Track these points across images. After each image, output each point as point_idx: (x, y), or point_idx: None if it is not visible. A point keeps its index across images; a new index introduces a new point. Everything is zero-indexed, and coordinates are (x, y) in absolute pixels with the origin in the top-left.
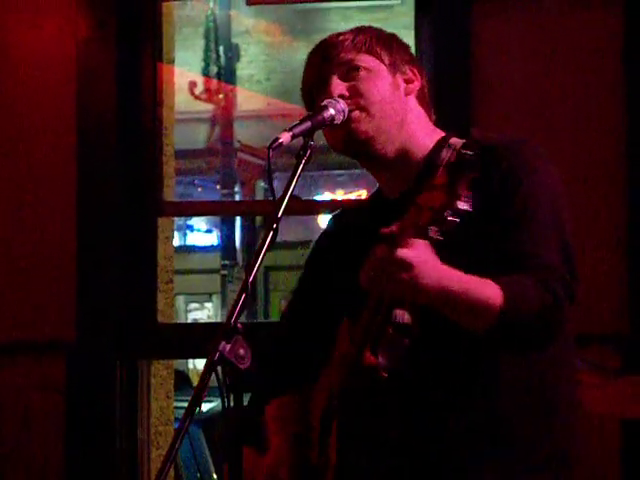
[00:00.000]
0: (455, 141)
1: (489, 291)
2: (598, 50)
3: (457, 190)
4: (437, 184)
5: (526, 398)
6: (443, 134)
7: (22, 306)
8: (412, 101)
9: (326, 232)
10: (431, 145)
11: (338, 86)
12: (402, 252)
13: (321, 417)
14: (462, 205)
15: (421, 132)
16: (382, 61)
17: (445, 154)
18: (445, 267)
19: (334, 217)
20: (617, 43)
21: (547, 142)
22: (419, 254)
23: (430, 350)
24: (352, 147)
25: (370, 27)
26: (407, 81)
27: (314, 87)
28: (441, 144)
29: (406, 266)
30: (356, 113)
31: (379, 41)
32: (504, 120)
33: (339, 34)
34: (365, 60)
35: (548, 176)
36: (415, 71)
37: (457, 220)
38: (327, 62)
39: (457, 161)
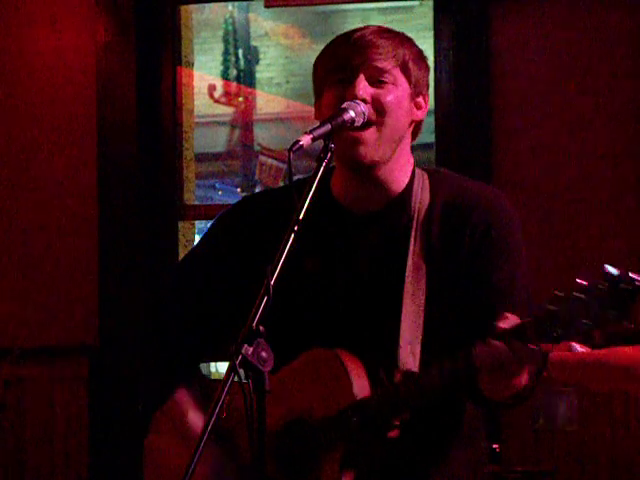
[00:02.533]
0: (422, 178)
1: (525, 374)
2: (614, 45)
3: (629, 313)
4: (590, 296)
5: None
6: (413, 163)
7: (46, 311)
8: (411, 128)
9: (246, 215)
10: (407, 176)
11: (364, 88)
12: (536, 350)
13: (276, 438)
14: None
15: (404, 160)
16: (409, 80)
17: (416, 190)
18: None
19: (255, 201)
20: (635, 39)
21: (563, 135)
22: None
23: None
24: (356, 168)
25: (410, 40)
26: (417, 106)
27: (332, 76)
28: (412, 178)
29: (532, 362)
30: (366, 132)
31: (415, 61)
32: (523, 115)
33: (380, 34)
34: (397, 76)
35: (517, 233)
36: (426, 99)
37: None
38: (360, 58)
39: (615, 287)
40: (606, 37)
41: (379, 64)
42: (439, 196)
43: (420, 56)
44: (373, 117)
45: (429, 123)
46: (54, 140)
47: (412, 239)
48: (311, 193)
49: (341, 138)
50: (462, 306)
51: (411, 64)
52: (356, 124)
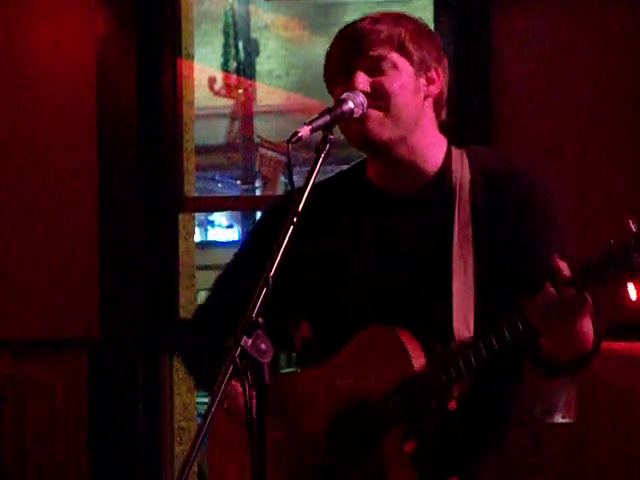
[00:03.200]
0: (460, 155)
1: (590, 333)
2: (615, 41)
3: None
4: (629, 243)
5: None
6: (446, 141)
7: (47, 303)
8: (428, 104)
9: (275, 214)
10: (441, 154)
11: (362, 81)
12: (588, 298)
13: (337, 421)
14: None
15: (431, 139)
16: (411, 61)
17: (457, 169)
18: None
19: (282, 199)
20: (637, 35)
21: (564, 131)
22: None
23: (491, 374)
24: (367, 147)
25: (405, 17)
26: (429, 81)
27: (336, 74)
28: (449, 156)
29: (586, 313)
30: (374, 112)
31: (413, 37)
32: (523, 113)
33: (372, 23)
34: (394, 59)
35: (555, 199)
36: (439, 71)
37: None
38: (354, 53)
39: None
40: (607, 33)
41: (374, 53)
42: (480, 169)
43: (419, 31)
44: (376, 104)
45: None
46: (54, 132)
47: (456, 213)
48: (310, 184)
49: (349, 129)
50: (512, 274)
51: (409, 43)
52: (355, 115)
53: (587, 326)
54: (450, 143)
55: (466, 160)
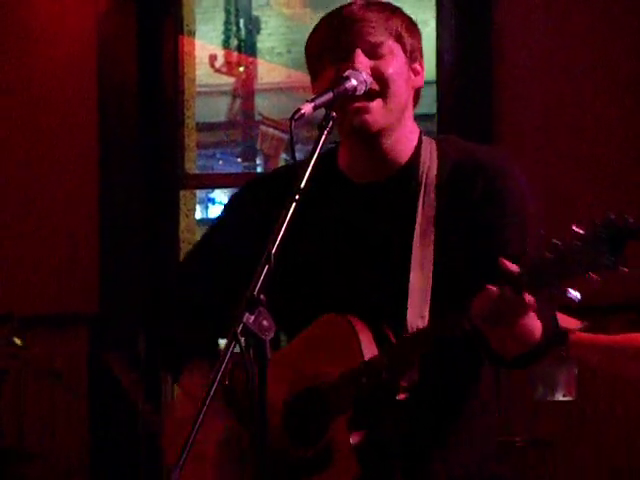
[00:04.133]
0: (430, 145)
1: (537, 329)
2: (619, 17)
3: (622, 255)
4: (587, 241)
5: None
6: (419, 131)
7: (46, 280)
8: (412, 95)
9: (255, 196)
10: (413, 144)
11: (363, 61)
12: (529, 299)
13: (288, 405)
14: (623, 268)
15: (409, 128)
16: (405, 50)
17: (425, 160)
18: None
19: (264, 180)
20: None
21: (566, 105)
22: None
23: (439, 365)
24: (360, 136)
25: (399, 10)
26: (414, 73)
27: (328, 54)
28: (419, 146)
29: (526, 313)
30: (373, 103)
31: (408, 30)
32: (526, 86)
33: (368, 8)
34: (392, 46)
35: (524, 192)
36: (422, 64)
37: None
38: (353, 35)
39: (624, 227)
40: (610, 9)
41: (373, 38)
42: (447, 161)
43: (411, 23)
44: (376, 87)
45: (431, 94)
46: (55, 109)
47: (420, 204)
48: (313, 161)
49: (346, 110)
50: (471, 268)
51: (404, 33)
52: (358, 92)
53: (531, 324)
54: (422, 134)
55: (435, 151)
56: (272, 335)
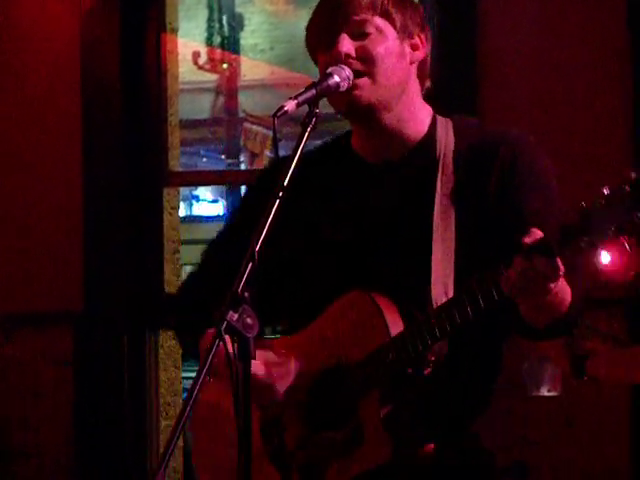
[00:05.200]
0: (446, 124)
1: (568, 294)
2: (604, 10)
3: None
4: (615, 202)
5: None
6: (431, 109)
7: (30, 278)
8: (413, 70)
9: (262, 186)
10: (426, 122)
11: (346, 44)
12: (560, 264)
13: (313, 387)
14: None
15: (417, 106)
16: (394, 26)
17: (441, 138)
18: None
19: (267, 171)
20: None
21: (550, 99)
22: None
23: (469, 337)
24: (353, 113)
25: None
26: (413, 47)
27: (319, 42)
28: (434, 124)
29: (558, 278)
30: (360, 80)
31: (396, 5)
32: (510, 81)
33: None
34: (378, 23)
35: (545, 164)
36: (422, 37)
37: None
38: (338, 18)
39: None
40: (591, 9)
41: (358, 17)
42: (465, 138)
43: None
44: (361, 68)
45: None
46: (38, 106)
47: (439, 181)
48: (296, 158)
49: (335, 96)
50: (494, 241)
51: (392, 8)
52: (341, 89)
53: (562, 291)
54: (436, 112)
55: (451, 129)
56: (256, 332)
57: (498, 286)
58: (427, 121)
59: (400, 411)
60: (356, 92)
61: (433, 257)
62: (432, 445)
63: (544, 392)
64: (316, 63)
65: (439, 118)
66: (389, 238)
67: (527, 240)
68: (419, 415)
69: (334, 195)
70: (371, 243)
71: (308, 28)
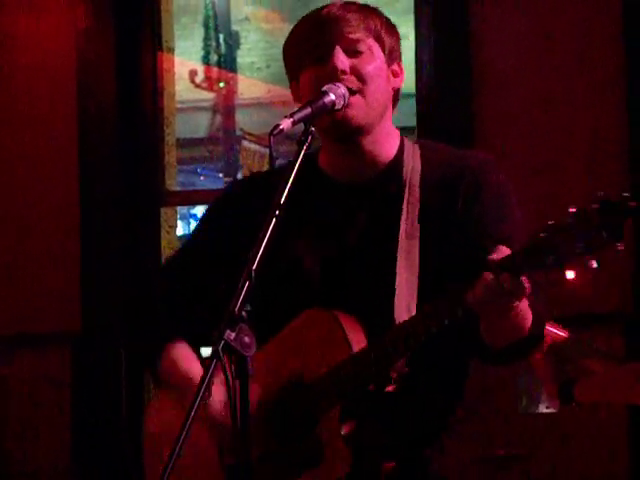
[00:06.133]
0: (413, 148)
1: (528, 317)
2: (593, 24)
3: (620, 234)
4: (582, 221)
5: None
6: (399, 133)
7: (27, 298)
8: (391, 95)
9: (238, 195)
10: (395, 146)
11: (342, 59)
12: (525, 282)
13: (274, 402)
14: (621, 247)
15: (389, 130)
16: (383, 49)
17: (408, 162)
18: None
19: (246, 181)
20: (614, 17)
21: (545, 116)
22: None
23: (429, 357)
24: (340, 132)
25: (377, 10)
26: (394, 74)
27: (307, 55)
28: (402, 148)
29: (522, 296)
30: (354, 98)
31: (387, 30)
32: (505, 97)
33: (346, 8)
34: (371, 44)
35: (508, 186)
36: (401, 66)
37: (595, 267)
38: (332, 34)
39: (619, 203)
40: (585, 15)
41: (352, 36)
42: (431, 163)
43: (390, 24)
44: (355, 86)
45: (410, 106)
46: (34, 126)
47: (405, 204)
48: (292, 177)
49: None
50: (458, 264)
51: (383, 33)
52: (337, 107)
53: (524, 312)
54: (403, 135)
55: (418, 153)
56: (253, 351)
57: (463, 302)
58: (396, 144)
59: (361, 427)
60: (349, 111)
61: (397, 278)
62: (392, 463)
63: (542, 409)
64: (292, 77)
65: (407, 143)
66: (355, 259)
67: (494, 256)
68: (381, 432)
69: (301, 213)
70: (336, 262)
71: (291, 41)
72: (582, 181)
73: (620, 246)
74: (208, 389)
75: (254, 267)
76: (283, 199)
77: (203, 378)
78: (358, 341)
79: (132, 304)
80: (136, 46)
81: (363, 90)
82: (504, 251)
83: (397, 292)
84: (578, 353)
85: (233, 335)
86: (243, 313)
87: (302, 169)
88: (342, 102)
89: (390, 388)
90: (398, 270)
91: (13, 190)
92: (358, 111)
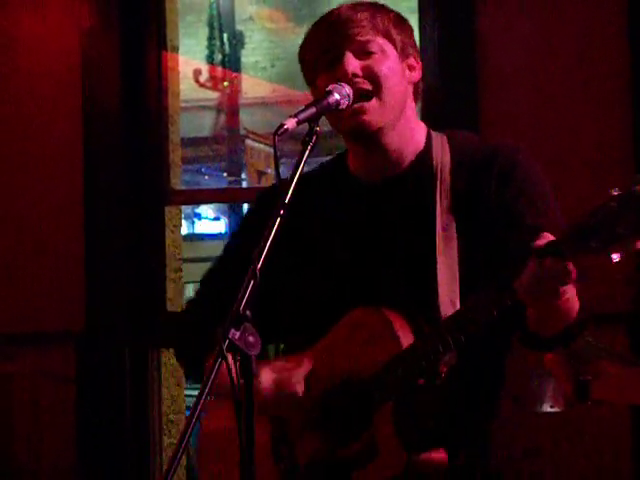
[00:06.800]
0: (441, 139)
1: (576, 302)
2: (600, 24)
3: None
4: (622, 204)
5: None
6: (425, 126)
7: (31, 297)
8: (410, 90)
9: (262, 206)
10: (422, 139)
11: (353, 63)
12: (572, 267)
13: (324, 402)
14: None
15: (413, 124)
16: (395, 46)
17: (437, 153)
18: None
19: (268, 192)
20: (622, 18)
21: (550, 114)
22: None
23: (477, 348)
24: (360, 137)
25: (385, 7)
26: (410, 68)
27: (320, 60)
28: (429, 140)
29: (571, 280)
30: (369, 103)
31: (396, 25)
32: (510, 96)
33: (354, 9)
34: (381, 43)
35: (540, 173)
36: (418, 59)
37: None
38: (341, 37)
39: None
40: (591, 15)
41: (362, 37)
42: (461, 152)
43: (400, 19)
44: (369, 87)
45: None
46: (39, 125)
47: (437, 196)
48: (297, 176)
49: (342, 114)
50: (497, 251)
51: (392, 29)
52: (341, 106)
53: (572, 297)
54: (431, 128)
55: (446, 144)
56: (258, 351)
57: (511, 291)
58: (423, 138)
59: (414, 422)
60: (365, 117)
61: (438, 271)
62: (444, 454)
63: (547, 408)
64: (310, 83)
65: (434, 134)
66: (392, 255)
67: (539, 243)
68: (433, 425)
69: (332, 217)
70: (374, 261)
71: (305, 47)
72: (587, 181)
73: None
74: (212, 389)
75: (258, 266)
76: (287, 199)
77: (207, 377)
78: (406, 336)
79: (179, 318)
80: (141, 45)
81: (378, 92)
82: (548, 237)
83: (440, 285)
84: (593, 354)
85: (238, 334)
86: (247, 312)
87: (333, 173)
88: (347, 102)
89: (439, 382)
90: (438, 262)
91: (18, 189)
92: (374, 115)
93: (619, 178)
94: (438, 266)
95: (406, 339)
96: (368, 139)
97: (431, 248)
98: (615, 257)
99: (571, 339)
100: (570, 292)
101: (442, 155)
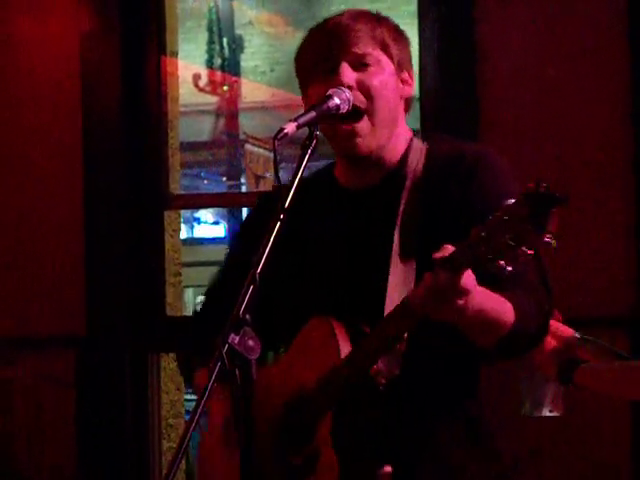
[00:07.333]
0: (421, 148)
1: (508, 313)
2: (600, 30)
3: (545, 225)
4: (510, 214)
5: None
6: (411, 133)
7: (31, 300)
8: (402, 104)
9: (262, 210)
10: (402, 147)
11: (348, 75)
12: (464, 283)
13: (285, 409)
14: (548, 239)
15: (400, 136)
16: (392, 59)
17: (412, 160)
18: (481, 290)
19: (268, 195)
20: (622, 19)
21: (549, 122)
22: (474, 282)
23: (422, 359)
24: (354, 158)
25: (386, 19)
26: (403, 82)
27: (315, 68)
28: (409, 148)
29: (465, 294)
30: (360, 124)
31: (394, 39)
32: (510, 103)
33: (355, 19)
34: (379, 57)
35: (506, 173)
36: (411, 73)
37: (531, 254)
38: (339, 46)
39: (540, 194)
40: (591, 18)
41: (359, 49)
42: (435, 157)
43: (398, 32)
44: (363, 104)
45: (415, 111)
46: (38, 129)
47: (403, 201)
48: (296, 180)
49: (336, 132)
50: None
51: (391, 42)
52: (341, 111)
53: (484, 308)
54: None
55: (424, 150)
56: (258, 355)
57: (407, 304)
58: (403, 147)
59: (354, 432)
60: (358, 140)
61: (390, 277)
62: (389, 467)
63: (545, 412)
64: (304, 89)
65: (415, 142)
66: (353, 262)
67: (436, 255)
68: (374, 437)
69: (321, 224)
70: (338, 269)
71: (302, 52)
72: (587, 181)
73: (547, 237)
74: (211, 392)
75: (258, 271)
76: (287, 204)
77: (206, 385)
78: (345, 346)
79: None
80: (140, 50)
81: (370, 109)
82: (448, 249)
83: (389, 291)
84: (587, 351)
85: (237, 339)
86: (247, 316)
87: (323, 180)
88: (347, 107)
89: (379, 389)
90: (391, 269)
91: (18, 192)
92: (364, 138)
93: (619, 178)
94: (390, 272)
95: (345, 348)
96: (362, 161)
97: (387, 254)
98: (508, 267)
99: (511, 351)
100: (473, 303)
101: (416, 164)
